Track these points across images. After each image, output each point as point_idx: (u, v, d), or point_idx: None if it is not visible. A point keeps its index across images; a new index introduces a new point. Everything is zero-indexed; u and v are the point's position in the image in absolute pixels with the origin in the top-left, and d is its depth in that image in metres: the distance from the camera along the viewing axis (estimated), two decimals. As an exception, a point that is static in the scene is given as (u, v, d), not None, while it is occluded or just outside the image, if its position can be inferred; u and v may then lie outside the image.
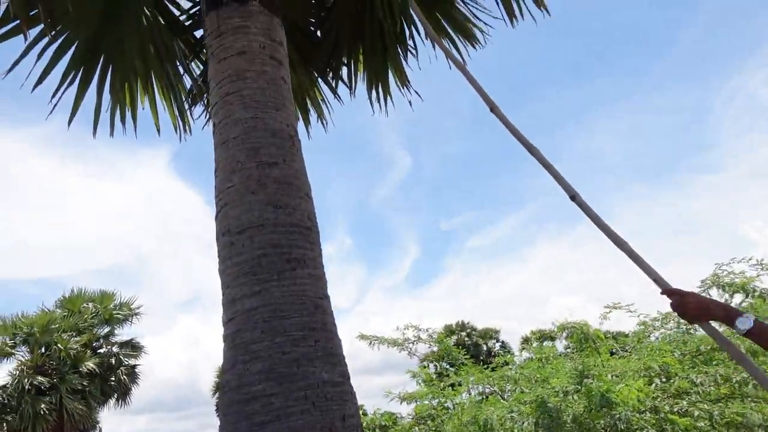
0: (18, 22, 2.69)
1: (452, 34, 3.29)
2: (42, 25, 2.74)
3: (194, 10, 3.19)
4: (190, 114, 3.28)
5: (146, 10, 2.93)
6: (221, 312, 1.86)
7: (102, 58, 2.92)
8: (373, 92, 3.45)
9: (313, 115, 3.62)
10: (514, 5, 3.01)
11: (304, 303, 1.78)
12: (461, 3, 3.23)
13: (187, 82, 3.22)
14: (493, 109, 1.70)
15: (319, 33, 3.38)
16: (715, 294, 4.31)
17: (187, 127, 3.26)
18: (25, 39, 2.71)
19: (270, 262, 1.81)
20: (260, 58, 2.14)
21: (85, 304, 11.31)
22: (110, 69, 2.95)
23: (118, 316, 11.43)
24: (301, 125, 3.52)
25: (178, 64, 3.07)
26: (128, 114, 3.12)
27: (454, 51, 3.30)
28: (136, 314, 11.58)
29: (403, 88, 3.38)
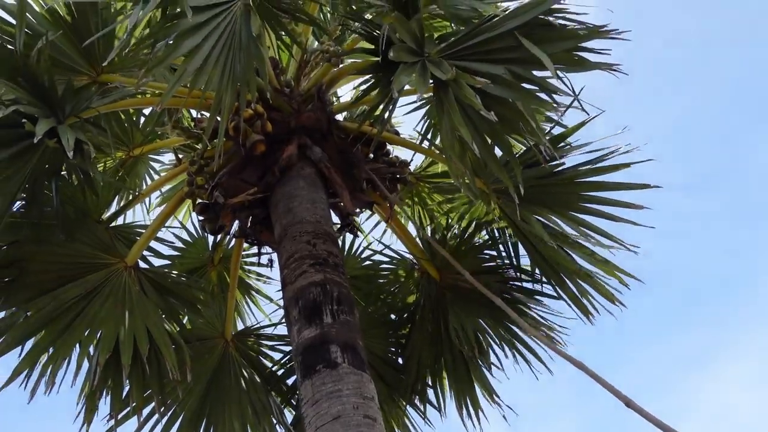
0: (134, 404, 2.96)
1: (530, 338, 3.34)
2: (152, 404, 3.01)
3: (285, 359, 3.47)
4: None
5: (244, 371, 3.23)
6: None
7: (203, 425, 3.12)
8: (464, 409, 3.40)
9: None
10: (588, 305, 3.09)
11: None
12: (531, 309, 3.35)
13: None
14: (629, 404, 1.71)
15: (400, 360, 3.55)
16: None
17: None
18: (138, 420, 2.96)
19: None
20: (355, 420, 2.19)
21: None
22: (211, 433, 3.12)
23: None
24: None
25: (273, 418, 3.22)
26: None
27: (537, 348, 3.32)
28: None
29: (493, 404, 3.34)
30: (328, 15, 3.34)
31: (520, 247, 3.23)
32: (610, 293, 3.00)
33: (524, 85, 2.21)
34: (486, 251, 3.39)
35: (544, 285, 3.22)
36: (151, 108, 3.30)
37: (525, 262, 3.28)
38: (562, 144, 2.93)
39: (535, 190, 2.87)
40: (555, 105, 2.24)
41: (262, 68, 2.38)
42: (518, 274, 3.32)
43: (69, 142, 2.25)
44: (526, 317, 3.31)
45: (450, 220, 3.47)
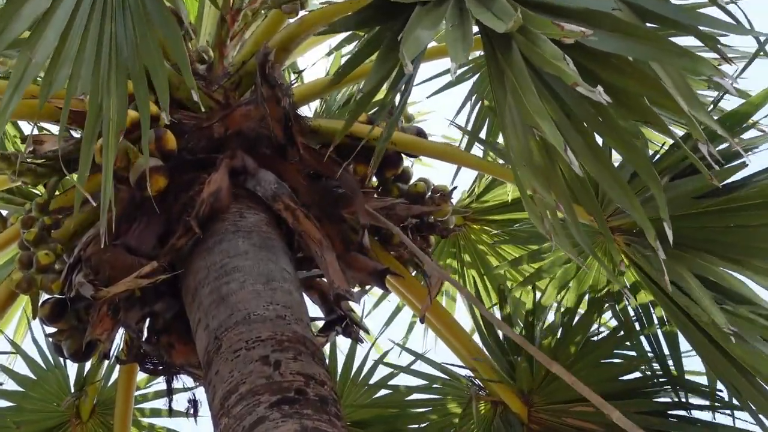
0: None
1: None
2: None
3: None
4: None
5: None
6: None
7: None
8: None
9: None
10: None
11: None
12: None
13: None
14: None
15: None
16: None
17: None
18: None
19: None
20: None
21: None
22: None
23: None
24: None
25: None
26: None
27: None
28: None
29: None
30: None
31: (682, 338, 3.25)
32: None
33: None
34: (617, 352, 3.42)
35: (734, 411, 3.26)
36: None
37: (693, 364, 3.35)
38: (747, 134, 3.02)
39: (694, 224, 2.93)
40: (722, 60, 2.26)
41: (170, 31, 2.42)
42: (682, 393, 3.34)
43: None
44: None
45: (539, 297, 3.43)
